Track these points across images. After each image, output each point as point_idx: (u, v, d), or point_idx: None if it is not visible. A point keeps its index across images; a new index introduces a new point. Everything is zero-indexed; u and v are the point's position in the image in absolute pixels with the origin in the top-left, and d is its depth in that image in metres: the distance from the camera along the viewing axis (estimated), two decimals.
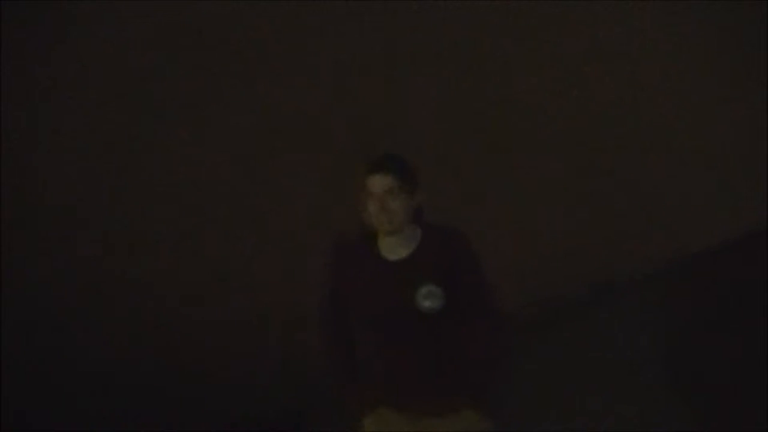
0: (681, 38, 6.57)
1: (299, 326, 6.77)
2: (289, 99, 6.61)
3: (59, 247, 6.74)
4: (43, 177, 6.66)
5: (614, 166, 6.70)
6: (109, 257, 6.78)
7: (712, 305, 6.55)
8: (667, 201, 6.73)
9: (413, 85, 6.60)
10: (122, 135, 6.63)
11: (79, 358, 6.91)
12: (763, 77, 6.55)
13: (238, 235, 6.80)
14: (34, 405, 6.93)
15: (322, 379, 4.77)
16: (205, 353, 6.96)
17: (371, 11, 6.48)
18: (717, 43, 6.58)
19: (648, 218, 6.75)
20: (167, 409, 6.96)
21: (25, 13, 6.35)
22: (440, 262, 4.46)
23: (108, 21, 6.43)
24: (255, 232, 6.79)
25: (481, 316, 4.49)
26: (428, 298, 4.45)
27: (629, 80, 6.60)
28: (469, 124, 6.65)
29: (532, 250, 6.75)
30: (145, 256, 6.79)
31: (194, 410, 7.00)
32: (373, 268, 4.49)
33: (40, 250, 6.74)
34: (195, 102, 6.60)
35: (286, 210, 6.76)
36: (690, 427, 6.15)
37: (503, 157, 6.68)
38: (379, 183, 4.43)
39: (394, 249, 4.51)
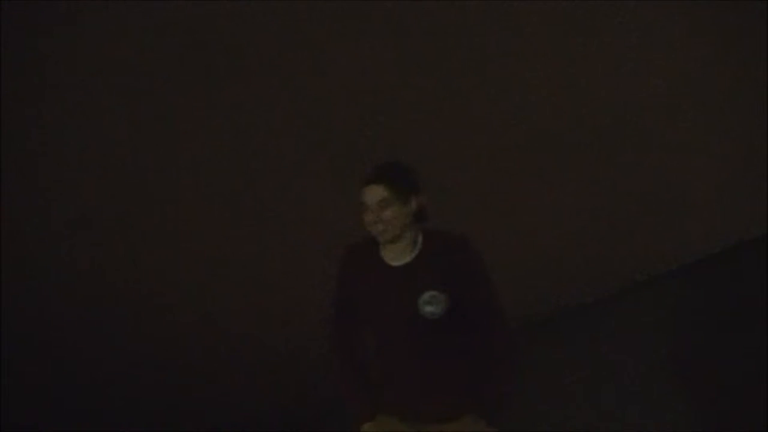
0: (681, 38, 6.58)
1: (299, 326, 6.79)
2: (289, 99, 6.61)
3: (59, 247, 6.74)
4: (44, 177, 6.65)
5: (617, 169, 6.69)
6: (109, 257, 6.78)
7: (717, 308, 6.55)
8: (672, 203, 6.73)
9: (413, 85, 6.60)
10: (122, 135, 6.63)
11: (79, 358, 6.91)
12: (763, 77, 6.56)
13: (238, 235, 6.80)
14: (34, 405, 6.92)
15: (322, 379, 4.77)
16: (205, 353, 6.95)
17: (371, 12, 6.48)
18: (717, 43, 6.58)
19: (652, 221, 6.75)
20: (167, 410, 6.96)
21: (25, 13, 6.34)
22: (443, 268, 4.47)
23: (108, 21, 6.42)
24: (255, 232, 6.79)
25: (490, 329, 4.50)
26: (430, 304, 4.46)
27: (632, 82, 6.59)
28: (470, 125, 6.65)
29: (533, 253, 6.75)
30: (145, 256, 6.79)
31: (194, 410, 7.00)
32: (376, 274, 4.52)
33: (40, 250, 6.74)
34: (195, 102, 6.59)
35: (286, 210, 6.75)
36: (695, 428, 6.15)
37: (504, 157, 6.67)
38: (371, 194, 4.47)
39: (396, 255, 4.53)
